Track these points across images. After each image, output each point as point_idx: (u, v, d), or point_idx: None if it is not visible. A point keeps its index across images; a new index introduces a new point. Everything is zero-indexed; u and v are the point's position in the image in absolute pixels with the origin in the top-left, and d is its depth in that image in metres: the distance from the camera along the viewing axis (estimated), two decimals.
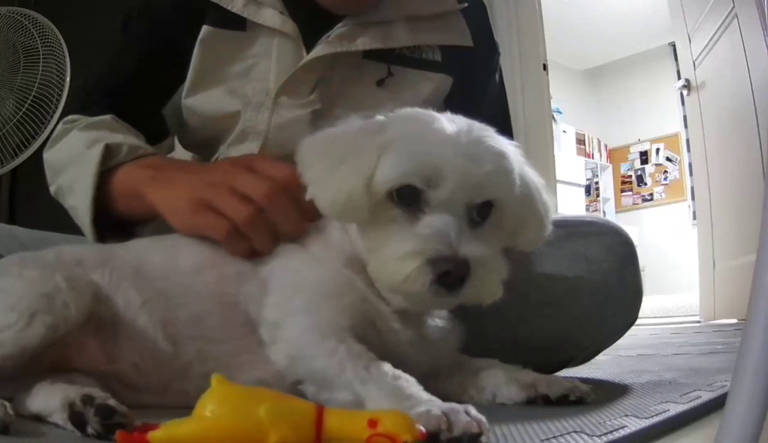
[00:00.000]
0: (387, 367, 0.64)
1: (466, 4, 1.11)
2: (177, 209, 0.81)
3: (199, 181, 0.81)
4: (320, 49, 1.00)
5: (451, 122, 0.69)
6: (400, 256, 0.65)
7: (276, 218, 0.78)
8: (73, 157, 0.93)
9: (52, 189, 0.98)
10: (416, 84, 1.04)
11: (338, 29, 1.02)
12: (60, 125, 1.02)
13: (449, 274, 0.63)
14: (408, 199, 0.67)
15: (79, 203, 0.90)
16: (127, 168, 0.89)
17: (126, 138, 0.92)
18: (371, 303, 0.73)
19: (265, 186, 0.78)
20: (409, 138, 0.68)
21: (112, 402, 0.59)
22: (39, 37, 2.16)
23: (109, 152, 0.89)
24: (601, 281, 0.96)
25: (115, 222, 0.91)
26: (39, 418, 0.65)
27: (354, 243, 0.74)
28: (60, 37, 2.18)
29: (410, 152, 0.67)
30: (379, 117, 0.73)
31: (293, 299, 0.73)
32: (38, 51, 2.15)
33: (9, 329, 0.66)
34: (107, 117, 0.98)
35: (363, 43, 1.01)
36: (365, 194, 0.68)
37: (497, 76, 1.19)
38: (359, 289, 0.73)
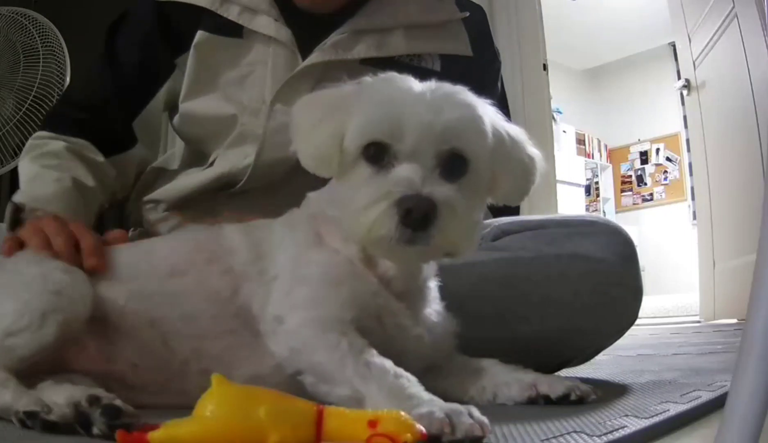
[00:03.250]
0: (389, 365, 0.64)
1: (467, 14, 1.11)
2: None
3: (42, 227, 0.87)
4: (314, 57, 1.00)
5: (421, 84, 0.72)
6: (366, 204, 0.65)
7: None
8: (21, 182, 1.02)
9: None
10: None
11: (334, 36, 1.02)
12: (30, 140, 1.07)
13: (411, 212, 0.63)
14: (377, 156, 0.69)
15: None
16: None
17: (43, 188, 0.98)
18: (382, 298, 0.74)
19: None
20: (374, 97, 0.71)
21: (118, 402, 0.59)
22: (39, 37, 2.16)
23: (16, 206, 0.97)
24: (601, 281, 0.96)
25: None
26: None
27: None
28: (60, 37, 2.18)
29: (374, 109, 0.69)
30: (365, 79, 0.75)
31: (299, 290, 0.73)
32: (38, 51, 2.15)
33: (24, 332, 0.66)
34: (60, 147, 1.04)
35: (359, 51, 1.02)
36: (336, 149, 0.70)
37: (499, 84, 1.19)
38: (371, 283, 0.74)
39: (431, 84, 0.71)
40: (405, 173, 0.65)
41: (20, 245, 0.85)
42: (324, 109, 0.74)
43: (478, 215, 0.72)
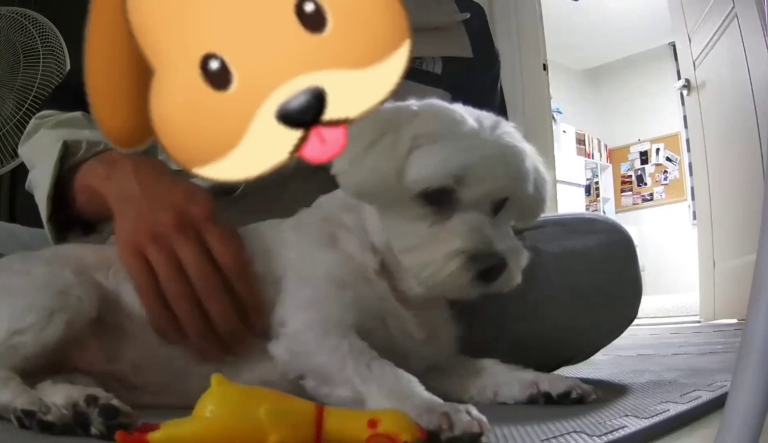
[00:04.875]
0: (389, 366, 0.65)
1: (468, 15, 1.11)
2: (120, 242, 0.76)
3: (145, 216, 0.75)
4: None
5: (475, 119, 0.71)
6: (443, 255, 0.67)
7: (210, 309, 0.73)
8: (39, 154, 0.92)
9: (26, 184, 0.96)
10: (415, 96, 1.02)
11: None
12: (33, 120, 0.99)
13: (491, 270, 0.67)
14: (438, 198, 0.69)
15: (40, 199, 0.88)
16: (87, 164, 0.86)
17: (89, 135, 0.88)
18: (389, 302, 0.74)
19: (207, 274, 0.73)
20: (440, 137, 0.69)
21: (115, 402, 0.59)
22: (39, 37, 2.16)
23: (68, 149, 0.87)
24: (601, 279, 0.96)
25: (77, 221, 0.90)
26: None
27: (380, 243, 0.75)
28: (60, 37, 2.18)
29: (443, 152, 0.68)
30: (411, 105, 0.73)
31: (302, 291, 0.73)
32: (38, 51, 2.15)
33: (30, 331, 0.66)
34: (77, 114, 0.95)
35: None
36: (395, 180, 0.69)
37: (499, 85, 1.19)
38: (379, 287, 0.74)
39: (485, 120, 0.72)
40: (474, 224, 0.68)
41: (143, 258, 0.73)
42: (374, 132, 0.70)
43: (524, 250, 0.74)
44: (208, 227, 0.74)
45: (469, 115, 0.72)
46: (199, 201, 0.76)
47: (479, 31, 1.14)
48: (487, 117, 0.73)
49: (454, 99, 1.01)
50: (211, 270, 0.73)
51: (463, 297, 0.73)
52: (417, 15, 1.04)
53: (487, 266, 0.67)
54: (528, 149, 0.75)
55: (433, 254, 0.67)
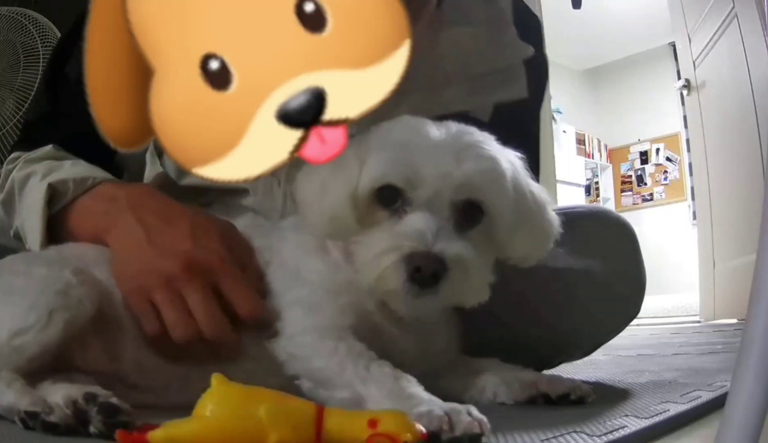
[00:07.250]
0: (387, 367, 0.65)
1: (532, 52, 0.96)
2: (123, 279, 0.75)
3: (153, 262, 0.73)
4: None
5: (440, 126, 0.69)
6: (376, 254, 0.65)
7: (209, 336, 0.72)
8: (25, 205, 0.85)
9: (11, 231, 0.90)
10: None
11: None
12: (3, 167, 0.93)
13: (420, 270, 0.63)
14: (391, 199, 0.67)
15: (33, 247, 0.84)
16: (81, 202, 0.83)
17: (70, 170, 0.84)
18: (377, 315, 0.73)
19: (215, 320, 0.72)
20: (389, 140, 0.68)
21: (115, 400, 0.59)
22: (39, 37, 2.17)
23: (55, 190, 0.83)
24: (602, 279, 0.95)
25: None
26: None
27: None
28: (60, 37, 2.18)
29: (390, 152, 0.67)
30: (373, 127, 0.71)
31: (295, 290, 0.73)
32: (38, 51, 2.15)
33: (30, 331, 0.66)
34: (47, 147, 0.90)
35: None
36: (351, 207, 0.67)
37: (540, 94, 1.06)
38: (369, 300, 0.72)
39: (452, 129, 0.69)
40: (417, 225, 0.64)
41: (149, 300, 0.73)
42: (328, 168, 0.68)
43: (486, 263, 0.69)
44: (222, 275, 0.73)
45: (437, 124, 0.69)
46: (207, 244, 0.74)
47: (535, 50, 0.98)
48: (460, 126, 0.70)
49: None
50: (219, 316, 0.72)
51: (410, 307, 0.68)
52: (480, 59, 0.93)
53: (418, 264, 0.62)
54: (506, 161, 0.70)
55: (371, 252, 0.66)
